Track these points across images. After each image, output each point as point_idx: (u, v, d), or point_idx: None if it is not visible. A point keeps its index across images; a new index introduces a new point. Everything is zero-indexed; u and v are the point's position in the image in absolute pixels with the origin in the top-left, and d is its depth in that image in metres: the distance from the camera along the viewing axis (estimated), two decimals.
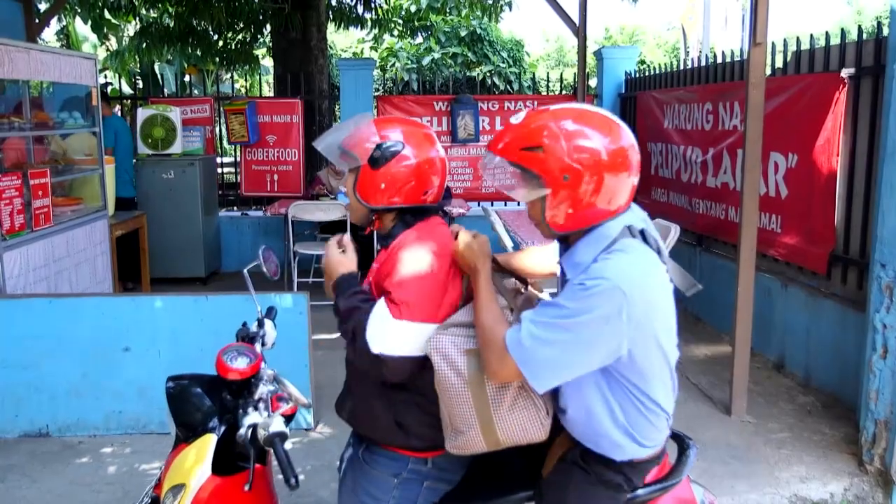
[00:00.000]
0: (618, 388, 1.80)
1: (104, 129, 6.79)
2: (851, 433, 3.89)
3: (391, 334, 1.87)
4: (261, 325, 2.33)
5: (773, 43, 4.98)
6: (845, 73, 4.29)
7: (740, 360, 4.22)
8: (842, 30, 4.46)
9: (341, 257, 2.08)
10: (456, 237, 1.98)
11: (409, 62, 15.98)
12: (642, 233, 1.79)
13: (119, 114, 7.71)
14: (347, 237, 2.13)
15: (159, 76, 16.09)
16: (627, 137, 1.79)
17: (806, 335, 4.69)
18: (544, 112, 1.77)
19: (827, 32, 4.60)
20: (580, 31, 7.50)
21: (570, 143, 1.70)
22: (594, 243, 1.77)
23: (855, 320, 4.20)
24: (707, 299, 6.01)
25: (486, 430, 1.85)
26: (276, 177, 8.16)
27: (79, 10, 10.34)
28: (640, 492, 1.98)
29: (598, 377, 1.79)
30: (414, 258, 1.92)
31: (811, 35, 4.73)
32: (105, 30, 11.20)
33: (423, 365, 1.90)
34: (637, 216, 1.85)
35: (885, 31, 3.95)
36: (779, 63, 5.14)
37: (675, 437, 2.17)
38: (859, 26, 4.46)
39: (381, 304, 1.90)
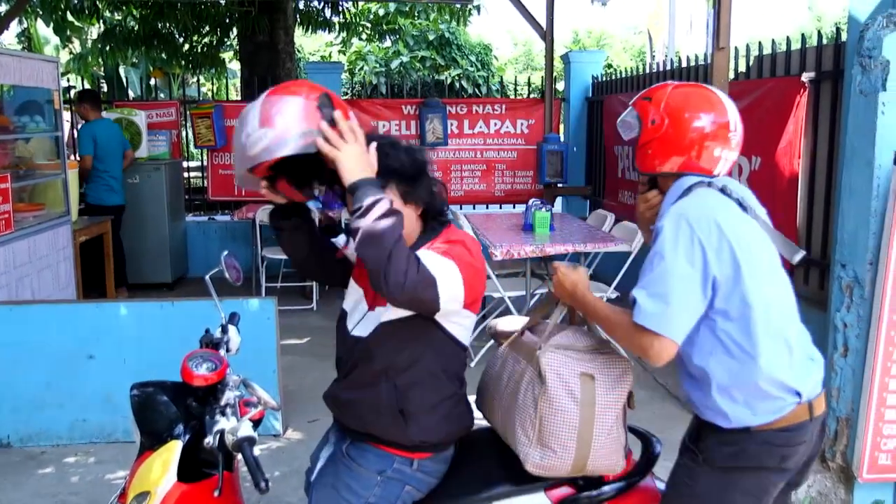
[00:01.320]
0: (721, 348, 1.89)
1: (81, 134, 6.68)
2: None
3: (450, 278, 1.88)
4: (224, 331, 2.31)
5: (736, 47, 5.07)
6: (806, 77, 4.38)
7: None
8: (802, 35, 4.55)
9: (363, 154, 1.83)
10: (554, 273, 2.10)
11: (378, 66, 15.97)
12: (723, 189, 1.95)
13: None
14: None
15: (124, 79, 15.88)
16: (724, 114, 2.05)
17: None
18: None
19: (788, 37, 4.69)
20: (547, 35, 7.56)
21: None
22: (672, 194, 1.99)
23: (817, 319, 4.27)
24: None
25: (580, 454, 1.95)
26: None
27: (40, 13, 10.17)
28: (604, 488, 2.02)
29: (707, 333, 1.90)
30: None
31: (773, 40, 4.82)
32: (68, 32, 11.04)
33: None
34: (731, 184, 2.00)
35: (844, 37, 4.04)
36: (742, 67, 5.22)
37: (640, 434, 2.22)
38: (819, 31, 4.55)
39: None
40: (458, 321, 2.01)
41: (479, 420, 2.18)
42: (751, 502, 1.94)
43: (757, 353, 1.86)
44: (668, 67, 6.43)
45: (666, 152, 2.00)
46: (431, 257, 1.88)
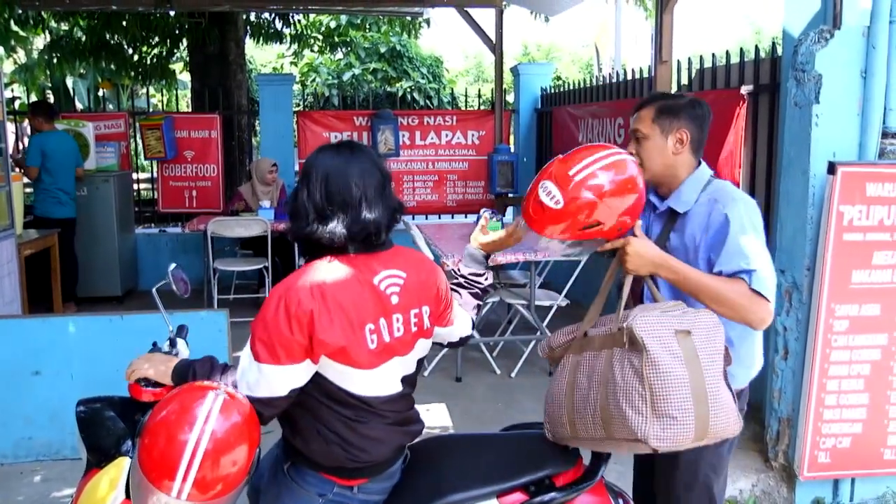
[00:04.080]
0: None
1: (30, 145, 6.52)
2: (758, 431, 4.07)
3: (252, 376, 1.87)
4: (173, 344, 2.27)
5: (678, 61, 5.22)
6: (745, 89, 4.52)
7: None
8: (741, 49, 4.70)
9: (153, 360, 2.06)
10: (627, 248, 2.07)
11: (330, 78, 15.95)
12: None
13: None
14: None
15: (71, 90, 15.56)
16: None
17: None
18: None
19: (728, 51, 4.85)
20: (497, 48, 7.67)
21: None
22: (695, 183, 2.25)
23: None
24: None
25: (699, 415, 1.85)
26: (194, 193, 8.02)
27: None
28: (554, 494, 2.05)
29: None
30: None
31: (713, 54, 4.97)
32: (12, 42, 10.77)
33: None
34: None
35: (780, 51, 4.20)
36: (685, 80, 5.37)
37: None
38: (757, 46, 4.72)
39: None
40: (332, 373, 1.89)
41: (431, 429, 2.20)
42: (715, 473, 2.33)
43: None
44: (615, 80, 6.58)
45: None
46: (240, 376, 1.90)
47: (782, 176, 3.64)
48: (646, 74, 5.94)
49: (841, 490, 3.60)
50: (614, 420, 1.90)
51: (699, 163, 2.29)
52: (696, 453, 2.19)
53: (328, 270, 1.88)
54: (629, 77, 6.23)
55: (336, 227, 1.87)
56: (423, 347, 2.06)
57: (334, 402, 1.92)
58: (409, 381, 2.05)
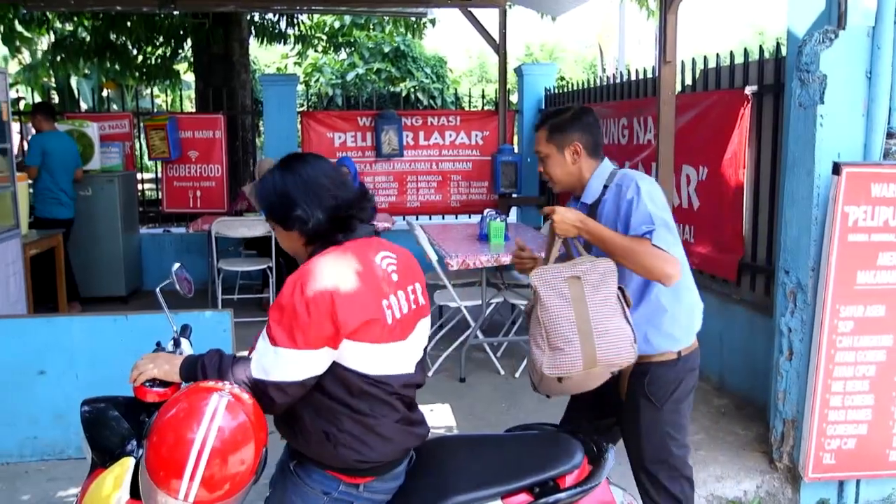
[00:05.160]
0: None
1: (30, 145, 6.54)
2: (763, 433, 4.07)
3: (274, 363, 1.90)
4: (177, 344, 2.28)
5: (682, 61, 5.21)
6: (749, 90, 4.52)
7: None
8: (745, 49, 4.70)
9: (157, 360, 2.07)
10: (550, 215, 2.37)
11: (334, 78, 15.97)
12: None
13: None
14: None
15: (76, 91, 15.60)
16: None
17: (719, 340, 4.90)
18: None
19: (732, 52, 4.85)
20: (500, 49, 7.67)
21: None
22: (599, 178, 2.55)
23: (763, 325, 4.41)
24: None
25: (585, 344, 2.25)
26: (198, 193, 8.03)
27: None
28: (559, 495, 2.05)
29: None
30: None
31: (717, 54, 4.97)
32: (17, 43, 10.80)
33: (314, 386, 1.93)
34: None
35: (784, 52, 4.19)
36: (689, 80, 5.37)
37: (594, 441, 2.26)
38: (760, 46, 4.71)
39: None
40: (352, 356, 1.93)
41: (436, 429, 2.20)
42: (679, 430, 2.54)
43: (690, 282, 2.54)
44: (619, 80, 6.57)
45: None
46: (256, 361, 1.93)
47: (787, 176, 3.63)
48: (650, 75, 5.94)
49: (846, 491, 3.60)
50: (532, 358, 2.34)
51: (602, 159, 2.58)
52: (655, 413, 2.50)
53: (335, 257, 1.97)
54: (633, 77, 6.23)
55: (319, 215, 1.99)
56: (424, 327, 2.14)
57: (350, 394, 1.94)
58: (420, 367, 2.11)
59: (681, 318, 2.52)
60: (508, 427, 2.48)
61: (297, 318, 1.85)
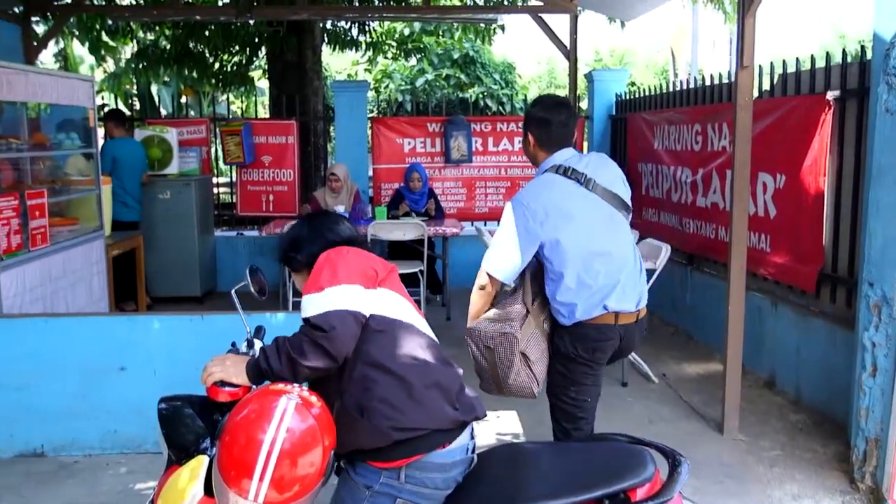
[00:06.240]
0: (546, 267, 2.96)
1: (102, 152, 6.83)
2: (842, 451, 3.92)
3: (318, 301, 2.07)
4: (250, 345, 2.34)
5: (759, 66, 5.08)
6: (831, 95, 4.37)
7: (732, 379, 4.26)
8: (826, 53, 4.55)
9: (226, 363, 2.17)
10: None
11: (403, 84, 16.10)
12: (567, 169, 2.97)
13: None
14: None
15: (156, 97, 16.17)
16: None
17: (796, 353, 4.74)
18: None
19: (812, 56, 4.69)
20: (571, 54, 7.61)
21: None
22: (541, 168, 3.09)
23: (844, 338, 4.25)
24: (698, 318, 6.07)
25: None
26: (271, 197, 8.21)
27: (76, 33, 10.42)
28: None
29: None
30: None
31: (797, 58, 4.82)
32: (102, 52, 11.27)
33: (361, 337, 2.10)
34: (571, 158, 3.03)
35: (869, 55, 4.04)
36: (766, 85, 5.23)
37: (666, 453, 2.20)
38: (843, 49, 4.55)
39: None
40: (384, 303, 2.17)
41: (502, 436, 2.19)
42: (567, 383, 3.04)
43: (566, 274, 2.89)
44: (692, 86, 6.44)
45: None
46: (305, 307, 2.10)
47: (872, 185, 3.50)
48: (725, 80, 5.80)
49: None
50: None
51: (552, 152, 3.04)
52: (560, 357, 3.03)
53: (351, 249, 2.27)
54: (708, 83, 6.09)
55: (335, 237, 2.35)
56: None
57: (383, 352, 2.09)
58: (436, 346, 2.26)
59: (561, 304, 2.93)
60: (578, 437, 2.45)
61: (333, 264, 2.13)
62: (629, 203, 3.06)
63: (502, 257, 2.91)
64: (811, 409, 4.58)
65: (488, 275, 2.94)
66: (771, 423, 4.47)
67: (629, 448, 2.22)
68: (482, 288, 2.97)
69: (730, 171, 4.55)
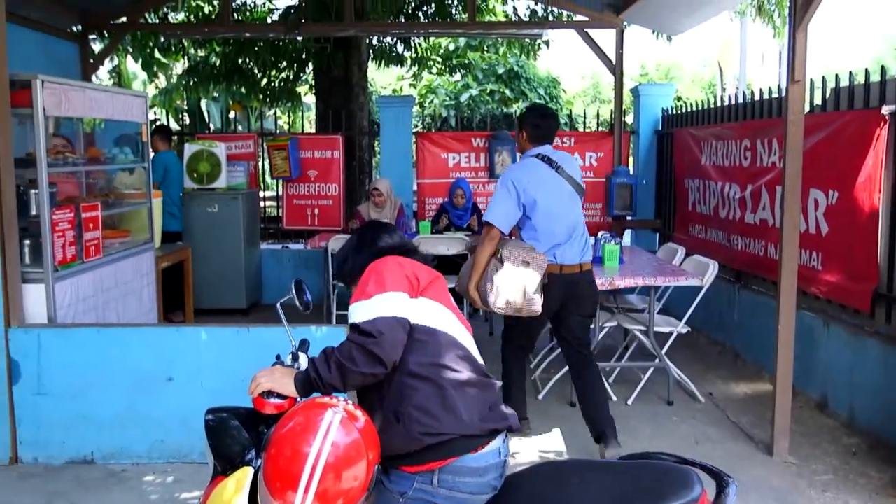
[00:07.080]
0: (523, 220, 4.13)
1: (154, 164, 7.03)
2: None
3: (366, 309, 2.13)
4: (295, 358, 2.36)
5: (811, 80, 4.99)
6: (886, 109, 4.27)
7: (782, 400, 4.16)
8: (882, 66, 4.44)
9: (274, 374, 2.21)
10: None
11: (448, 99, 16.19)
12: (544, 157, 4.14)
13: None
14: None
15: (205, 113, 16.52)
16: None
17: (849, 374, 4.61)
18: None
19: (867, 69, 4.59)
20: (617, 69, 7.57)
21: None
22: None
23: None
24: (746, 336, 5.94)
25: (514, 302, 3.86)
26: (316, 211, 8.31)
27: (131, 50, 10.71)
28: None
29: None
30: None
31: (850, 72, 4.72)
32: (155, 68, 11.57)
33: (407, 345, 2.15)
34: (548, 150, 4.21)
35: None
36: (817, 100, 5.12)
37: (714, 473, 2.15)
38: None
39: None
40: (425, 313, 2.21)
41: (545, 454, 2.17)
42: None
43: (536, 224, 4.07)
44: (741, 100, 6.35)
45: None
46: (352, 315, 2.16)
47: None
48: (775, 94, 5.70)
49: None
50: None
51: (537, 145, 4.18)
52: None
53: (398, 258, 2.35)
54: (757, 97, 6.00)
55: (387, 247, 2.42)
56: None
57: (423, 359, 2.14)
58: (475, 358, 2.29)
59: (527, 241, 4.07)
60: (622, 455, 2.41)
61: (380, 273, 2.20)
62: (584, 187, 4.25)
63: (501, 211, 3.98)
64: (865, 432, 4.44)
65: (490, 223, 3.93)
66: (823, 446, 4.35)
67: (676, 468, 2.18)
68: (489, 235, 3.92)
69: (780, 187, 4.47)
